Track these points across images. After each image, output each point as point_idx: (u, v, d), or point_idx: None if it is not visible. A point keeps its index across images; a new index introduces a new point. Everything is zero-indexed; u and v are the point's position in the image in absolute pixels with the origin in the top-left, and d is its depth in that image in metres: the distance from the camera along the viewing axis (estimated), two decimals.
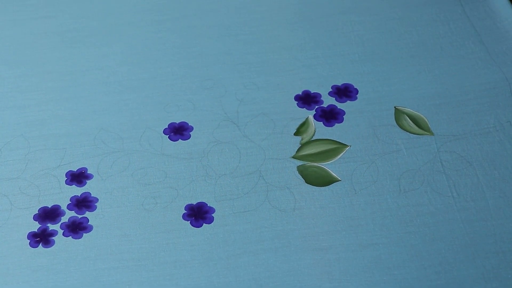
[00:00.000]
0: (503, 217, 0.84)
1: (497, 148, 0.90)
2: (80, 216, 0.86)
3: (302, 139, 0.92)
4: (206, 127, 0.93)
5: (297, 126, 0.93)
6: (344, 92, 0.96)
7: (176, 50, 1.02)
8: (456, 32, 1.02)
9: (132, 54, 1.02)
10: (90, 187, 0.88)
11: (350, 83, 0.97)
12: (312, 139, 0.92)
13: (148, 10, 1.07)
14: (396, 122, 0.92)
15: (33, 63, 1.01)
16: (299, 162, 0.90)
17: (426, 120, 0.92)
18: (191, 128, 0.93)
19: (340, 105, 0.95)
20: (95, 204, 0.87)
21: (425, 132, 0.91)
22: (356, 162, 0.89)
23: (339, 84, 0.97)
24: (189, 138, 0.92)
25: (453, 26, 1.03)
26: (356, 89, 0.96)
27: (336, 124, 0.93)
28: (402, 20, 1.03)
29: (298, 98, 0.96)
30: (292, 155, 0.90)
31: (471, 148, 0.90)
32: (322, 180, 0.88)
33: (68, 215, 0.86)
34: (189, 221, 0.85)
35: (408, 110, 0.93)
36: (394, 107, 0.94)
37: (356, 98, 0.95)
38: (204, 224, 0.85)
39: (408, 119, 0.93)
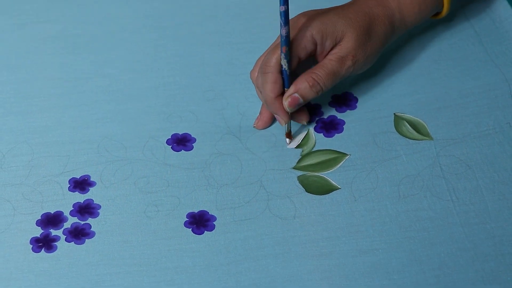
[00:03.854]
0: (503, 219, 0.84)
1: (497, 150, 0.90)
2: (82, 222, 0.87)
3: (302, 151, 0.93)
4: (208, 139, 0.94)
5: (296, 139, 0.94)
6: (344, 101, 0.97)
7: (178, 59, 1.03)
8: (456, 33, 1.03)
9: (134, 62, 1.03)
10: (92, 194, 0.89)
11: (349, 91, 0.98)
12: (313, 150, 0.93)
13: (150, 16, 1.08)
14: (395, 128, 0.93)
15: (35, 69, 1.02)
16: (300, 172, 0.90)
17: (426, 125, 0.93)
18: (194, 140, 0.94)
19: (340, 115, 0.95)
20: (98, 210, 0.88)
21: (425, 137, 0.92)
22: (356, 170, 0.90)
23: (339, 93, 0.98)
24: (191, 149, 0.93)
25: (452, 28, 1.04)
26: (355, 97, 0.97)
27: (336, 134, 0.94)
28: None
29: None
30: (293, 166, 0.91)
31: (470, 151, 0.90)
32: (322, 189, 0.88)
33: (71, 221, 0.87)
34: (190, 229, 0.86)
35: (407, 116, 0.94)
36: (394, 113, 0.95)
37: (355, 107, 0.96)
38: (205, 231, 0.86)
39: (408, 125, 0.93)
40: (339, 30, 0.90)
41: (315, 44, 0.90)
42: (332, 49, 0.91)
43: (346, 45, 0.90)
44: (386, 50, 1.00)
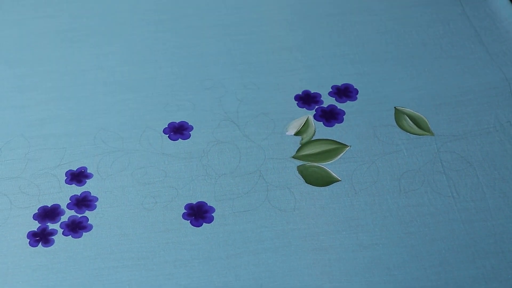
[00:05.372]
0: (503, 217, 0.84)
1: (497, 148, 0.90)
2: (80, 215, 0.86)
3: (302, 139, 0.92)
4: (206, 127, 0.93)
5: (295, 125, 0.93)
6: (344, 92, 0.96)
7: (176, 50, 1.02)
8: (456, 32, 1.02)
9: (132, 54, 1.02)
10: (89, 186, 0.88)
11: (350, 83, 0.97)
12: (312, 139, 0.92)
13: (148, 9, 1.07)
14: (396, 122, 0.93)
15: (33, 63, 1.01)
16: (299, 162, 0.90)
17: (426, 120, 0.93)
18: (191, 128, 0.93)
19: (340, 105, 0.95)
20: (95, 203, 0.87)
21: (425, 133, 0.91)
22: (356, 162, 0.89)
23: (339, 84, 0.97)
24: (189, 138, 0.92)
25: (453, 26, 1.03)
26: (356, 89, 0.96)
27: (336, 124, 0.93)
28: (402, 20, 1.04)
29: (298, 98, 0.96)
30: (292, 155, 0.90)
31: (471, 148, 0.90)
32: (322, 180, 0.88)
33: (68, 214, 0.86)
34: (189, 221, 0.85)
35: (408, 110, 0.94)
36: (394, 107, 0.94)
37: (356, 99, 0.95)
38: (204, 223, 0.85)
39: (408, 119, 0.93)
40: None
41: None
42: None
43: None
44: (387, 47, 1.01)
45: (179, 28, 1.05)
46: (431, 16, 1.04)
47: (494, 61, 0.98)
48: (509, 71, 0.97)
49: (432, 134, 0.91)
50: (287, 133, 0.93)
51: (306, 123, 0.93)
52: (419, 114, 0.93)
